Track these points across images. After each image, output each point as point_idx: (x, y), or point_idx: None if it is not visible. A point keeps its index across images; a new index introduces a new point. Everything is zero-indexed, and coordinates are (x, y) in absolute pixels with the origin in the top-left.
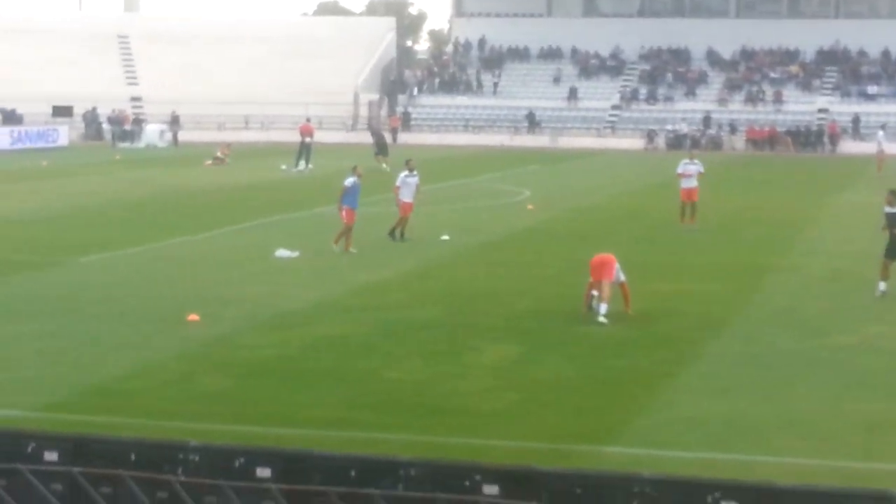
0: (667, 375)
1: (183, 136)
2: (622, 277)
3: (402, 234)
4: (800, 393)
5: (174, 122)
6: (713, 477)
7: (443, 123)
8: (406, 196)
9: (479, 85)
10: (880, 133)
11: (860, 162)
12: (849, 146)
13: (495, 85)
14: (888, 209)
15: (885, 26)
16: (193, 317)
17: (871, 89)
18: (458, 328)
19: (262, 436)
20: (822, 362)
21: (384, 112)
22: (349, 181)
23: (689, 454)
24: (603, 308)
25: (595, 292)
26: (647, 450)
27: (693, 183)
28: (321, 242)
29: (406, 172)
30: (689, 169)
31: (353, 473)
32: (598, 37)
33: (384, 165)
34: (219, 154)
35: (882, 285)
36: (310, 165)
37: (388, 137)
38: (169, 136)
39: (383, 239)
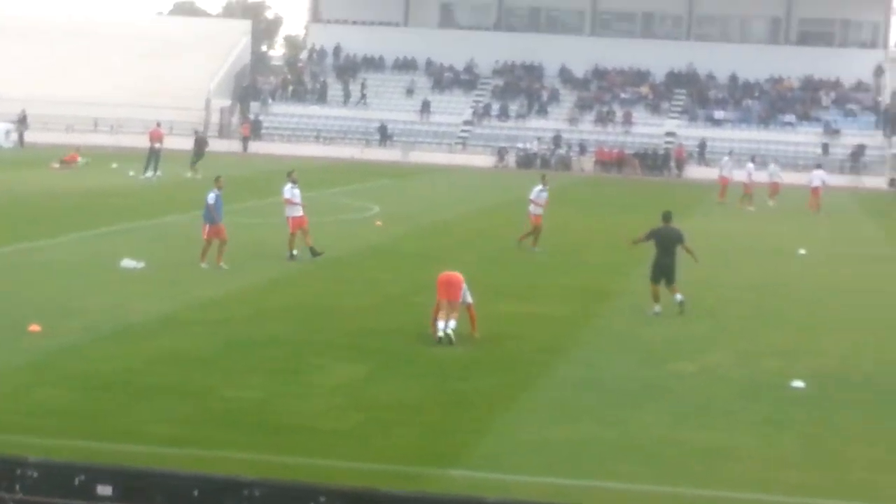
0: (511, 398)
1: (30, 136)
2: (469, 299)
3: (293, 253)
4: (641, 419)
5: (21, 121)
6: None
7: (294, 133)
8: (297, 210)
9: (346, 94)
10: (725, 159)
11: (705, 187)
12: (694, 171)
13: (352, 94)
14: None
15: (735, 51)
16: (34, 327)
17: (718, 114)
18: (303, 345)
19: (104, 452)
20: (662, 389)
21: (235, 119)
22: (211, 196)
23: (532, 478)
24: (451, 324)
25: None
26: (491, 473)
27: (540, 210)
28: (168, 253)
29: (291, 183)
30: (542, 197)
31: (195, 493)
32: (454, 49)
33: (195, 174)
34: (68, 158)
35: (657, 307)
36: (158, 173)
37: (238, 145)
38: (15, 136)
39: (231, 251)
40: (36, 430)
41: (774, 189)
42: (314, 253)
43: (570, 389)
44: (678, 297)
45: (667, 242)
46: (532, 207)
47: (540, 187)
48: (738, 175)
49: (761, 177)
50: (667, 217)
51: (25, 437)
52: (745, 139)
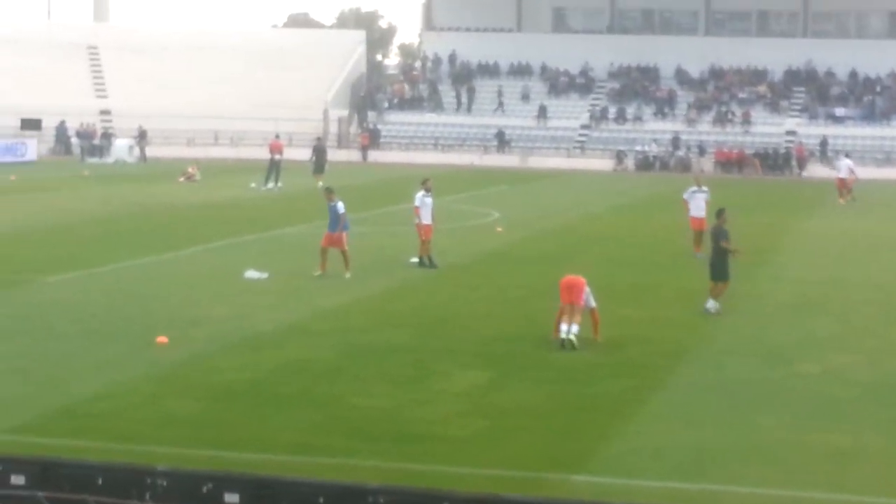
0: (635, 403)
1: (151, 151)
2: (592, 303)
3: (430, 260)
4: (765, 422)
5: (141, 137)
6: None
7: (412, 141)
8: (425, 218)
9: (459, 102)
10: (845, 160)
11: (827, 186)
12: (816, 170)
13: (469, 101)
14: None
15: (853, 46)
16: (162, 339)
17: (839, 111)
18: (426, 353)
19: (231, 461)
20: (787, 391)
21: (353, 129)
22: (341, 206)
23: (656, 483)
24: (574, 329)
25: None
26: (614, 478)
27: (702, 212)
28: (291, 263)
29: (423, 192)
30: (698, 197)
31: (321, 500)
32: (568, 53)
33: (319, 184)
34: (189, 170)
35: (711, 304)
36: (279, 184)
37: (357, 155)
38: (137, 151)
39: (354, 260)
40: (164, 440)
41: None
42: (431, 263)
43: (694, 393)
44: (710, 304)
45: (714, 241)
46: (692, 210)
47: (694, 188)
48: (840, 172)
49: (861, 172)
50: (718, 214)
51: (155, 446)
52: (868, 136)
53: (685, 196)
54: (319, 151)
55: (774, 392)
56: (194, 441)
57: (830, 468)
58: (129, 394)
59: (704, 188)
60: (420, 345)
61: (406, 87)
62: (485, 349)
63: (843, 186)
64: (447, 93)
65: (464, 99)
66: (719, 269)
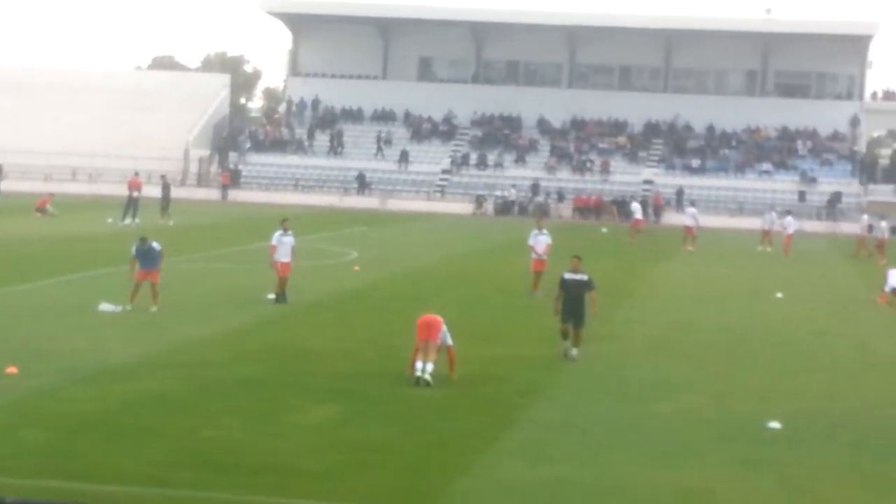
0: (488, 440)
1: (8, 185)
2: (449, 341)
3: (284, 296)
4: (618, 460)
5: None
6: None
7: (272, 182)
8: (282, 256)
9: (311, 145)
10: (690, 209)
11: (682, 234)
12: (672, 217)
13: (332, 144)
14: (569, 275)
15: (712, 102)
16: (12, 369)
17: (695, 163)
18: (280, 387)
19: (82, 492)
20: (639, 430)
21: (214, 168)
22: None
23: None
24: (429, 367)
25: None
26: None
27: (543, 255)
28: (145, 298)
29: (281, 231)
30: (539, 240)
31: None
32: (432, 101)
33: (167, 220)
34: (44, 200)
35: (569, 345)
36: (137, 220)
37: (217, 194)
38: None
39: (210, 295)
40: (13, 471)
41: (767, 236)
42: (283, 299)
43: (548, 431)
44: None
45: (581, 289)
46: (533, 254)
47: (536, 232)
48: (686, 220)
49: (715, 221)
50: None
51: (3, 477)
52: (722, 187)
53: (530, 241)
54: (165, 189)
55: (627, 430)
56: (45, 472)
57: None
58: None
59: (545, 231)
60: (274, 379)
61: (270, 128)
62: (339, 385)
63: (688, 234)
64: (310, 136)
65: (326, 142)
66: (580, 317)
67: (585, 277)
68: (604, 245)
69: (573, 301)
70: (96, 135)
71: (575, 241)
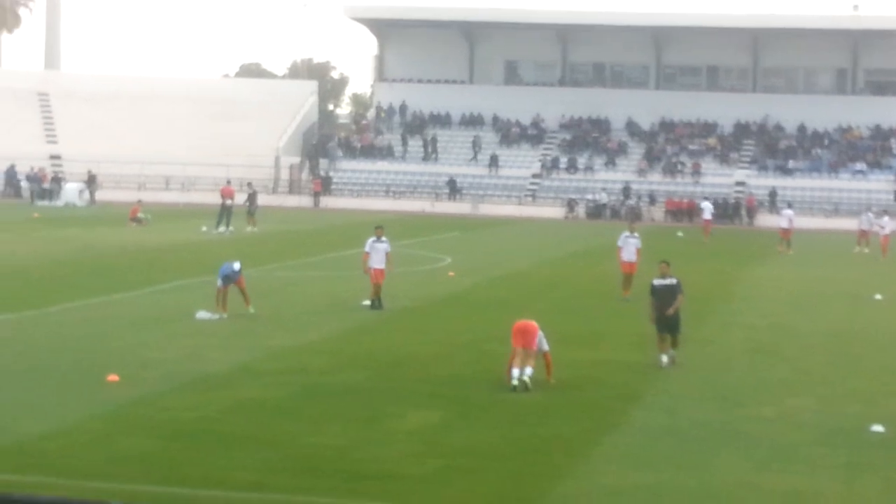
0: (588, 444)
1: (102, 195)
2: (545, 346)
3: (379, 302)
4: (719, 465)
5: (91, 181)
6: None
7: (364, 188)
8: (376, 262)
9: (405, 151)
10: (787, 210)
11: (776, 235)
12: (766, 219)
13: (426, 150)
14: (658, 281)
15: (802, 101)
16: (113, 377)
17: (788, 164)
18: (379, 393)
19: (183, 498)
20: (741, 434)
21: (304, 175)
22: (237, 266)
23: None
24: (528, 371)
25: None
26: None
27: (633, 257)
28: (242, 305)
29: (374, 238)
30: (628, 242)
31: None
32: (519, 105)
33: (253, 227)
34: (134, 210)
35: (664, 358)
36: (230, 228)
37: (309, 201)
38: (87, 195)
39: (306, 302)
40: (117, 477)
41: (864, 236)
42: (379, 305)
43: (648, 435)
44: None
45: (670, 295)
46: (623, 254)
47: (626, 234)
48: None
49: (809, 223)
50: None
51: (107, 483)
52: (815, 187)
53: (619, 242)
54: (251, 196)
55: (729, 435)
56: (146, 478)
57: None
58: (80, 432)
59: (636, 234)
60: (372, 385)
61: (366, 135)
62: (438, 390)
63: (784, 236)
64: (404, 142)
65: (416, 148)
66: (675, 323)
67: (674, 281)
68: (695, 248)
69: (665, 307)
70: (187, 143)
71: (667, 244)
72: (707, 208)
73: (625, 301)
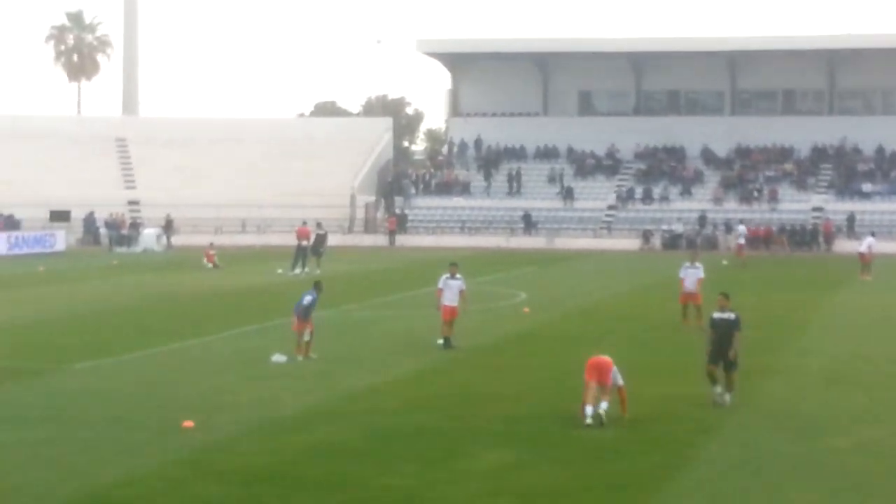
0: (663, 479)
1: (180, 239)
2: (619, 381)
3: (447, 341)
4: (795, 498)
5: (168, 226)
6: None
7: (439, 225)
8: (448, 300)
9: (488, 186)
10: (869, 238)
11: (855, 261)
12: (844, 245)
13: (510, 185)
14: (717, 315)
15: (880, 123)
16: (188, 423)
17: (866, 187)
18: (452, 433)
19: None
20: (816, 466)
21: (380, 214)
22: (308, 298)
23: None
24: (603, 405)
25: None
26: None
27: (693, 287)
28: (318, 347)
29: (448, 275)
30: (689, 273)
31: None
32: (594, 135)
33: (316, 269)
34: (209, 254)
35: (718, 388)
36: (306, 269)
37: (384, 239)
38: (164, 240)
39: (381, 342)
40: None
41: None
42: (449, 344)
43: (723, 470)
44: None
45: (730, 329)
46: (685, 285)
47: (687, 265)
48: (860, 247)
49: (878, 247)
50: (727, 297)
51: None
52: (894, 211)
53: (681, 273)
54: (319, 237)
55: (805, 467)
56: None
57: None
58: (155, 479)
59: (698, 264)
60: (446, 426)
61: (447, 171)
62: (511, 428)
63: (863, 262)
64: (486, 177)
65: (494, 182)
66: (732, 362)
67: (733, 316)
68: (776, 276)
69: (721, 341)
70: (263, 184)
71: (743, 273)
72: (742, 231)
73: (686, 329)
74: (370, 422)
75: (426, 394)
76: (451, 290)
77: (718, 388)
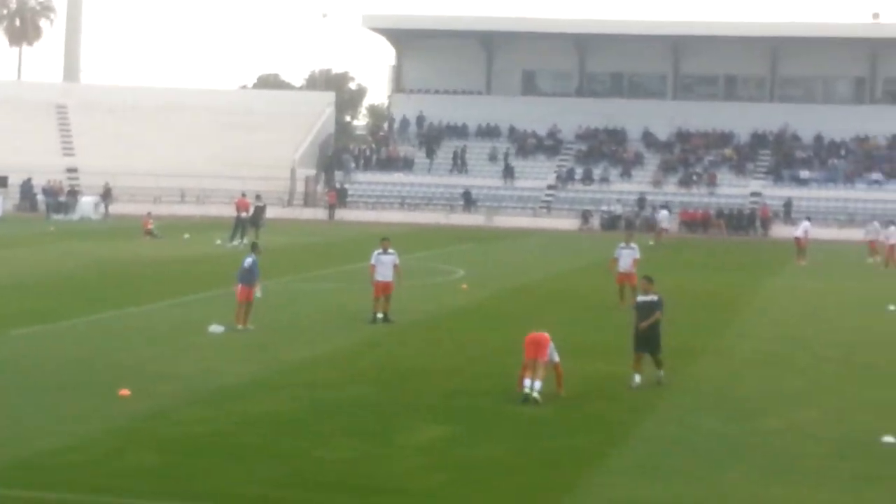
0: (598, 457)
1: (118, 208)
2: (556, 358)
3: (377, 316)
4: (729, 477)
5: (106, 194)
6: None
7: (379, 200)
8: (381, 275)
9: (431, 163)
10: (805, 222)
11: (791, 246)
12: (780, 230)
13: (455, 162)
14: (641, 298)
15: (819, 111)
16: (124, 392)
17: (804, 174)
18: (389, 407)
19: None
20: (751, 446)
21: (320, 188)
22: (248, 261)
23: None
24: (537, 385)
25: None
26: None
27: (628, 267)
28: (256, 318)
29: (380, 250)
30: (623, 253)
31: None
32: (536, 115)
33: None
34: (145, 227)
35: (637, 379)
36: (245, 241)
37: (324, 213)
38: (102, 208)
39: (319, 315)
40: (128, 492)
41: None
42: (386, 319)
43: (658, 448)
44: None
45: (649, 311)
46: (620, 265)
47: (622, 245)
48: (795, 231)
49: (824, 233)
50: (649, 281)
51: (118, 498)
52: (831, 198)
53: (615, 253)
54: (258, 209)
55: (739, 447)
56: (158, 494)
57: None
58: (92, 446)
59: (633, 245)
60: (383, 399)
61: (392, 147)
62: (448, 404)
63: (799, 246)
64: (415, 153)
65: (434, 159)
66: (655, 341)
67: (655, 298)
68: (713, 259)
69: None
70: (203, 155)
71: (680, 256)
72: (664, 217)
73: (621, 309)
74: (308, 394)
75: (364, 367)
76: (383, 265)
77: (637, 379)
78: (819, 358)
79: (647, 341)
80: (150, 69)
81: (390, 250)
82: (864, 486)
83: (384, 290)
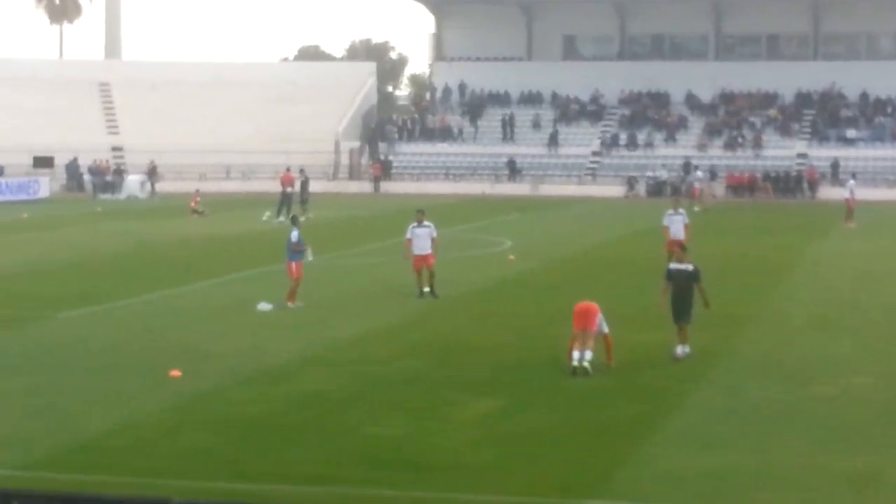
0: (649, 428)
1: (164, 186)
2: (605, 329)
3: (423, 290)
4: (781, 446)
5: (152, 172)
6: None
7: (423, 171)
8: (419, 249)
9: (476, 132)
10: (850, 181)
11: (839, 208)
12: (828, 192)
13: (504, 130)
14: (674, 266)
15: (864, 68)
16: (175, 373)
17: (850, 133)
18: (440, 381)
19: (247, 493)
20: (803, 413)
21: (364, 160)
22: (294, 234)
23: None
24: (588, 355)
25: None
26: None
27: (680, 234)
28: (305, 295)
29: (415, 224)
30: (674, 220)
31: None
32: (578, 81)
33: (307, 215)
34: (192, 206)
35: (679, 349)
36: (289, 216)
37: (369, 186)
38: (149, 187)
39: (367, 290)
40: (180, 473)
41: None
42: (432, 293)
43: (709, 417)
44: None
45: (688, 281)
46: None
47: (671, 212)
48: (844, 192)
49: (872, 194)
50: (684, 250)
51: (170, 479)
52: (879, 157)
53: (664, 222)
54: (303, 184)
55: (791, 415)
56: (210, 474)
57: (850, 491)
58: (144, 428)
59: (681, 211)
60: (433, 374)
61: (420, 116)
62: (498, 377)
63: (849, 206)
64: (460, 122)
65: (474, 128)
66: (686, 310)
67: (691, 267)
68: (760, 222)
69: (679, 294)
70: (246, 130)
71: (725, 221)
72: (697, 177)
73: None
74: (357, 370)
75: (413, 342)
76: (419, 238)
77: (679, 350)
78: (869, 321)
79: (681, 310)
80: (191, 44)
81: (426, 222)
82: None
83: (424, 262)
